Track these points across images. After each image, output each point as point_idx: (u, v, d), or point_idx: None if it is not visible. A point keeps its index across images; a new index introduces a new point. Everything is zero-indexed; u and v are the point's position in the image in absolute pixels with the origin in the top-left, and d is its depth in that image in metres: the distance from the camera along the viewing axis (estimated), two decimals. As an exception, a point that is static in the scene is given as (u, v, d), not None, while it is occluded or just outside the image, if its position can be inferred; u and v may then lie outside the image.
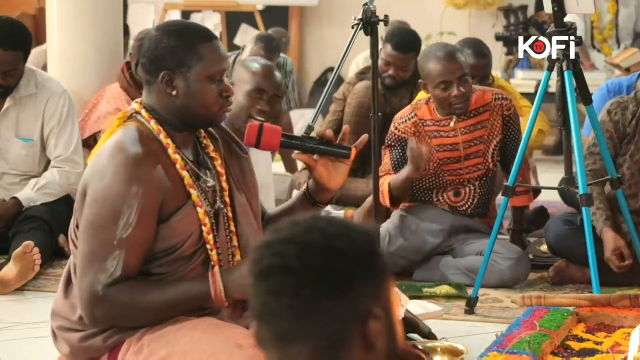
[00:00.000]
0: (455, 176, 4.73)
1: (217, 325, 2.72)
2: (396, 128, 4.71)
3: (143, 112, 2.81)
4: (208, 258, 2.80)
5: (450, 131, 4.66)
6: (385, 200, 4.63)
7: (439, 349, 3.39)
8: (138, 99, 2.87)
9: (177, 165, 2.77)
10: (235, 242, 2.88)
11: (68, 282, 2.86)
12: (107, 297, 2.67)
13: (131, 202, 2.66)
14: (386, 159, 4.71)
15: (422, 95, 5.57)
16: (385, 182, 4.62)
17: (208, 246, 2.80)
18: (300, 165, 6.75)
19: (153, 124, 2.79)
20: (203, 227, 2.79)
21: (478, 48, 5.30)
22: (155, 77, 2.78)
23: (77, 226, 2.79)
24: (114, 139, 2.76)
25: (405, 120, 4.70)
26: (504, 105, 4.71)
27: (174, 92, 2.77)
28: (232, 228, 2.88)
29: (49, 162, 5.17)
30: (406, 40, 5.91)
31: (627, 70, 6.82)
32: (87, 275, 2.69)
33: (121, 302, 2.69)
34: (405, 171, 4.52)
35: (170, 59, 2.75)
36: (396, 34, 5.89)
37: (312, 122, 3.34)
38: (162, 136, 2.78)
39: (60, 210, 5.05)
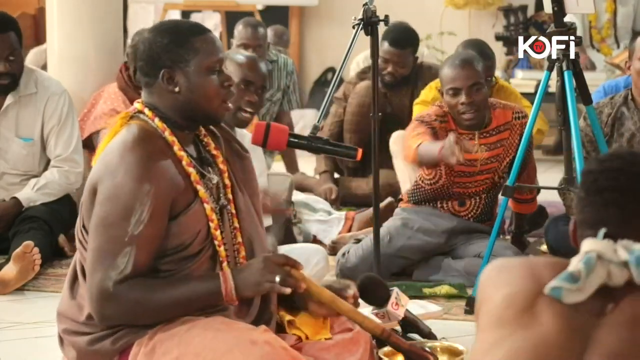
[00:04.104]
0: (463, 189, 4.69)
1: (229, 324, 2.71)
2: (431, 117, 4.55)
3: (146, 110, 2.81)
4: (214, 254, 2.81)
5: (471, 146, 4.48)
6: (408, 157, 4.53)
7: (438, 349, 3.38)
8: (139, 100, 2.87)
9: (184, 162, 2.77)
10: (239, 239, 2.88)
11: (74, 282, 2.85)
12: (117, 295, 2.66)
13: (143, 200, 2.66)
14: (421, 129, 4.50)
15: (425, 94, 5.55)
16: (415, 143, 4.43)
17: (216, 242, 2.81)
18: (300, 166, 6.75)
19: (157, 122, 2.79)
20: (210, 224, 2.79)
21: (481, 49, 5.24)
22: (155, 77, 2.78)
23: (83, 226, 2.79)
24: (121, 138, 2.75)
25: (441, 121, 4.57)
26: (523, 124, 4.61)
27: (176, 89, 2.78)
28: (236, 224, 2.89)
29: (49, 161, 5.16)
30: (401, 36, 5.93)
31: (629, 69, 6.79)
32: (97, 272, 2.68)
33: (132, 300, 2.67)
34: (437, 152, 4.28)
35: (166, 57, 2.76)
36: (391, 31, 5.89)
37: (318, 122, 3.34)
38: (167, 133, 2.78)
39: (60, 210, 5.05)
